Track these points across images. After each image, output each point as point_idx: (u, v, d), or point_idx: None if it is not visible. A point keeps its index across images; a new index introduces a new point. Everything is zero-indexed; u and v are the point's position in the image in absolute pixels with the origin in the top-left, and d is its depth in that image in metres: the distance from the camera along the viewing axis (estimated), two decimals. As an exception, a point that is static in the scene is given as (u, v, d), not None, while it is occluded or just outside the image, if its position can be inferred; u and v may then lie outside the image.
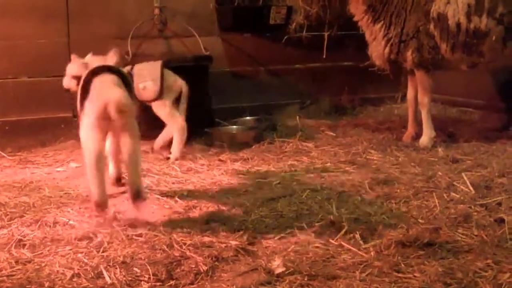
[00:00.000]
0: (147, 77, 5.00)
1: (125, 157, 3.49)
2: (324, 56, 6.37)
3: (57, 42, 5.62)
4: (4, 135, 5.31)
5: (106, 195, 3.47)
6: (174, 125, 5.03)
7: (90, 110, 3.39)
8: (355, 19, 5.21)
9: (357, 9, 5.15)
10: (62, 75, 5.53)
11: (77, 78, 3.94)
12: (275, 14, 6.07)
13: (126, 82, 3.66)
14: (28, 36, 5.53)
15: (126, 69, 4.78)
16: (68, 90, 4.25)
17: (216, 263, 2.88)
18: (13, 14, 5.49)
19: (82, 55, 5.58)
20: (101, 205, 3.44)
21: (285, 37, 6.25)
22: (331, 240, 3.12)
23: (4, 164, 4.98)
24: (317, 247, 3.06)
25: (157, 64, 5.07)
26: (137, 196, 3.44)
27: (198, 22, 5.98)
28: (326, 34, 6.33)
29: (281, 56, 6.41)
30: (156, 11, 5.91)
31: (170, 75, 5.11)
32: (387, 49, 5.10)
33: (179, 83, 5.10)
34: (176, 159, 4.94)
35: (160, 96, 4.99)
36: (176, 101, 5.10)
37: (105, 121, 3.35)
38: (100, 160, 3.39)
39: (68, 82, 4.20)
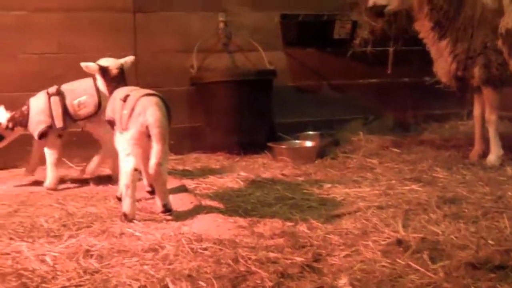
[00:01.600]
0: (81, 92, 4.71)
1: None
2: (389, 72, 6.31)
3: (123, 56, 5.66)
4: (71, 146, 5.41)
5: (135, 208, 3.79)
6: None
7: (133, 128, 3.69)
8: (421, 36, 5.14)
9: (423, 26, 5.08)
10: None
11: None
12: (339, 29, 6.07)
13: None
14: (95, 49, 5.62)
15: (51, 90, 4.75)
16: None
17: (282, 279, 2.85)
18: (81, 27, 5.63)
19: (148, 69, 5.75)
20: (130, 218, 3.70)
21: (350, 52, 6.22)
22: (398, 260, 3.05)
23: (71, 174, 5.08)
24: (383, 266, 3.00)
25: (88, 80, 4.73)
26: (166, 209, 3.84)
27: (262, 37, 6.02)
28: (391, 49, 6.27)
29: (344, 71, 6.39)
30: (221, 25, 5.97)
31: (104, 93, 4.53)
32: (453, 66, 5.01)
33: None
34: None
35: (99, 109, 4.66)
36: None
37: (144, 138, 3.67)
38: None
39: None
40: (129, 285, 2.78)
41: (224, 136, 5.78)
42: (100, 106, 4.67)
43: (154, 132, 3.62)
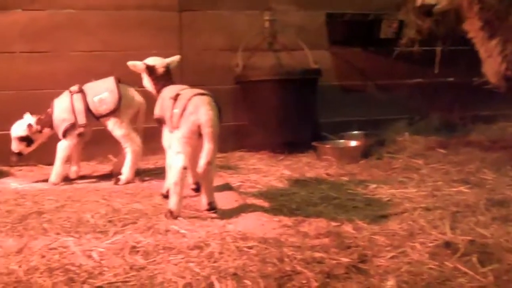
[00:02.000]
0: (101, 89, 4.81)
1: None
2: (436, 72, 6.23)
3: (169, 54, 5.70)
4: (117, 143, 5.45)
5: (181, 206, 3.81)
6: (130, 146, 4.83)
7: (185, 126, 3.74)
8: (470, 35, 5.04)
9: (472, 25, 4.98)
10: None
11: None
12: (386, 28, 6.01)
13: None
14: (140, 48, 5.67)
15: (73, 88, 4.82)
16: None
17: (328, 279, 2.82)
18: (128, 26, 5.68)
19: (193, 67, 5.77)
20: (176, 215, 3.72)
21: (396, 52, 6.15)
22: (446, 262, 3.00)
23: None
24: (431, 268, 2.95)
25: (110, 79, 4.86)
26: (211, 208, 3.88)
27: (307, 36, 6.00)
28: (438, 49, 6.19)
29: (390, 70, 6.33)
30: (267, 24, 5.96)
31: (127, 90, 4.86)
32: (503, 66, 4.91)
33: (137, 101, 4.88)
34: (128, 182, 4.81)
35: (118, 107, 4.78)
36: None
37: (195, 137, 3.72)
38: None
39: None
40: (175, 282, 2.79)
41: (268, 135, 5.77)
42: (120, 104, 4.75)
43: (206, 131, 3.63)
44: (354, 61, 6.29)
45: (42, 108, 5.16)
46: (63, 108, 4.77)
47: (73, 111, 4.74)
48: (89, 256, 3.11)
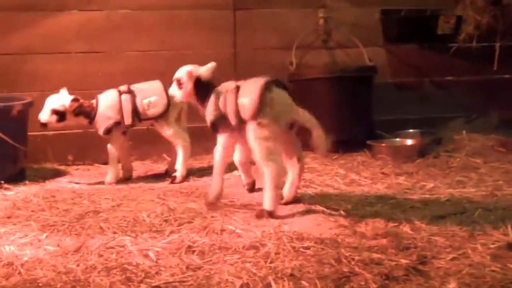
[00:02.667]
0: (150, 92, 4.83)
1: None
2: (495, 68, 6.08)
3: (223, 53, 5.76)
4: (170, 142, 5.48)
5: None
6: (181, 143, 4.87)
7: None
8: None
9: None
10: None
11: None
12: (443, 24, 5.90)
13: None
14: (195, 47, 5.69)
15: (122, 88, 4.84)
16: None
17: (386, 281, 2.77)
18: (182, 25, 5.69)
19: (247, 66, 5.76)
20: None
21: (453, 48, 6.03)
22: (509, 264, 2.91)
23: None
24: (493, 271, 2.87)
25: (157, 82, 4.87)
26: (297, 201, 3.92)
27: (362, 33, 5.93)
28: (497, 45, 6.04)
29: (447, 67, 6.21)
30: (321, 21, 5.92)
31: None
32: None
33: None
34: (183, 178, 4.85)
35: (167, 110, 4.82)
36: None
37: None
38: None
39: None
40: (232, 282, 2.77)
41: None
42: (168, 107, 4.80)
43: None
44: (410, 58, 6.18)
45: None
46: (110, 106, 4.80)
47: (120, 110, 4.78)
48: (146, 256, 3.12)
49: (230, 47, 5.77)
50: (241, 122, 3.76)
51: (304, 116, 3.75)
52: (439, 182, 4.52)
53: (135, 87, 4.86)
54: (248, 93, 3.74)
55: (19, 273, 2.94)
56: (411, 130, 5.84)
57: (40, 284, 2.79)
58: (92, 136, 5.34)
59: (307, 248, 3.16)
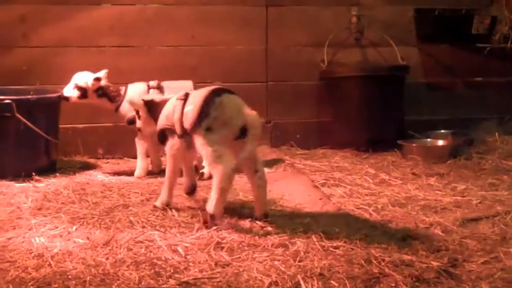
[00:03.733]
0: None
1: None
2: (530, 70, 6.01)
3: (254, 49, 5.75)
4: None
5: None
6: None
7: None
8: None
9: None
10: (258, 81, 5.71)
11: None
12: (478, 24, 5.82)
13: None
14: (226, 42, 5.69)
15: (152, 83, 4.86)
16: None
17: (417, 283, 2.73)
18: (214, 20, 5.69)
19: (278, 62, 5.75)
20: (217, 220, 3.47)
21: (488, 48, 5.95)
22: (542, 269, 2.88)
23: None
24: (526, 275, 2.84)
25: (189, 82, 4.85)
26: (266, 217, 3.61)
27: (395, 31, 5.89)
28: (533, 46, 5.96)
29: (481, 68, 6.15)
30: (354, 19, 5.87)
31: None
32: None
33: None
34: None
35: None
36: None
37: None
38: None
39: None
40: (260, 280, 2.76)
41: (353, 132, 5.68)
42: None
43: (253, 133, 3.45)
44: (443, 58, 6.12)
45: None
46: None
47: None
48: (175, 251, 3.12)
49: (262, 44, 5.76)
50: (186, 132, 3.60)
51: (252, 124, 3.45)
52: (470, 184, 4.47)
53: (166, 84, 4.86)
54: (192, 101, 3.57)
55: (49, 264, 2.95)
56: (442, 131, 5.79)
57: (70, 277, 2.80)
58: (122, 130, 5.37)
59: (337, 247, 3.13)
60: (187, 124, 3.54)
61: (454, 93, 6.21)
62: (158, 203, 3.89)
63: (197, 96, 3.54)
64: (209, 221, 3.46)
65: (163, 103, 3.87)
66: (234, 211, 3.81)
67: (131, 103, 4.13)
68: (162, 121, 3.78)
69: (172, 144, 3.75)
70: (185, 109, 3.57)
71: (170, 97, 3.84)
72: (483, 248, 3.18)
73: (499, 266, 2.95)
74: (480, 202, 4.02)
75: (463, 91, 6.23)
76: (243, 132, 3.45)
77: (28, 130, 4.64)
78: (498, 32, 5.93)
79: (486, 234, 3.40)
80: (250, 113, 3.48)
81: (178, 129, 3.62)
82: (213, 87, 3.64)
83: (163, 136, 3.80)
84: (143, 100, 4.03)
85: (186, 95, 3.64)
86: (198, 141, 3.51)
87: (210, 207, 3.45)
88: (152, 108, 3.97)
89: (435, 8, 5.93)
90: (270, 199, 3.99)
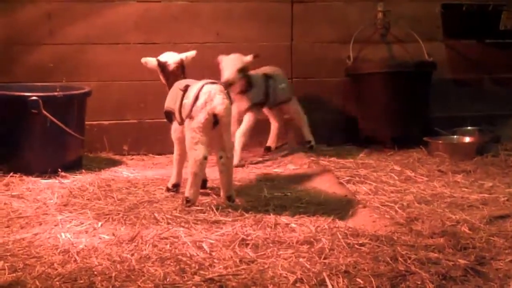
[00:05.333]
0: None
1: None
2: (558, 66, 5.92)
3: (279, 46, 5.73)
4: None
5: (198, 195, 3.86)
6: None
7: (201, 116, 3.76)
8: None
9: None
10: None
11: None
12: (506, 20, 5.75)
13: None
14: (251, 39, 5.67)
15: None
16: None
17: (444, 281, 2.71)
18: (238, 17, 5.68)
19: (303, 59, 5.72)
20: (192, 203, 3.78)
21: (516, 44, 5.89)
22: None
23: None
24: (555, 274, 2.79)
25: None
26: (230, 200, 3.89)
27: (421, 27, 5.83)
28: (562, 41, 5.87)
29: (509, 64, 6.08)
30: (380, 15, 5.83)
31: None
32: None
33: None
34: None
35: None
36: None
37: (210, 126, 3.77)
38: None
39: None
40: (285, 277, 2.75)
41: (379, 129, 5.64)
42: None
43: (224, 121, 3.76)
44: (470, 53, 6.04)
45: (153, 99, 5.28)
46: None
47: None
48: (200, 247, 3.13)
49: (287, 40, 5.74)
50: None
51: (220, 112, 3.72)
52: (497, 181, 4.42)
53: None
54: (190, 94, 3.84)
55: (75, 260, 2.97)
56: (469, 128, 5.72)
57: (95, 273, 2.82)
58: (147, 127, 5.40)
59: (362, 245, 3.12)
60: (184, 115, 3.83)
61: (481, 90, 6.13)
62: (169, 184, 4.22)
63: (193, 90, 3.82)
64: (184, 204, 3.77)
65: None
66: (259, 207, 3.81)
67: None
68: (169, 103, 4.06)
69: (175, 128, 4.06)
70: (184, 101, 3.85)
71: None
72: (510, 246, 3.15)
73: (527, 265, 2.92)
74: (507, 200, 3.98)
75: (490, 88, 6.15)
76: (216, 120, 3.74)
77: (55, 126, 4.67)
78: (525, 28, 5.86)
79: (514, 232, 3.36)
80: (222, 101, 3.74)
81: (177, 117, 3.93)
82: (205, 81, 3.89)
83: (169, 116, 4.10)
84: None
85: (186, 87, 3.89)
86: (186, 127, 3.84)
87: (186, 191, 3.81)
88: None
89: (462, 4, 5.86)
90: (291, 197, 3.99)
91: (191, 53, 4.37)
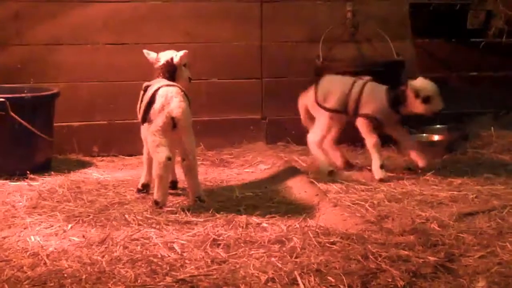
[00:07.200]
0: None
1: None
2: (525, 64, 5.99)
3: (250, 45, 5.72)
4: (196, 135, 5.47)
5: (167, 197, 3.87)
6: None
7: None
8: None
9: None
10: (253, 78, 5.70)
11: None
12: (473, 19, 5.81)
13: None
14: (221, 39, 5.66)
15: None
16: None
17: (414, 279, 2.73)
18: (209, 17, 5.65)
19: (273, 59, 5.72)
20: (162, 205, 3.78)
21: (483, 43, 5.94)
22: (539, 263, 2.88)
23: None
24: (523, 269, 2.83)
25: None
26: (200, 200, 3.88)
27: (390, 26, 5.85)
28: (528, 40, 5.94)
29: (476, 62, 6.11)
30: (349, 14, 5.83)
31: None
32: None
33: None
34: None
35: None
36: None
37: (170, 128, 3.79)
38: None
39: None
40: (257, 276, 2.76)
41: (349, 127, 5.66)
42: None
43: (182, 124, 3.77)
44: (438, 52, 6.09)
45: (123, 100, 5.23)
46: None
47: None
48: (171, 248, 3.12)
49: (257, 40, 5.72)
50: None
51: (177, 115, 3.76)
52: (466, 179, 4.48)
53: None
54: (146, 96, 3.88)
55: (45, 263, 2.95)
56: (438, 126, 5.76)
57: (65, 275, 2.80)
58: (117, 128, 5.36)
59: (333, 243, 3.14)
60: (139, 116, 3.94)
61: (449, 88, 6.13)
62: (139, 184, 4.23)
63: (149, 92, 3.86)
64: (153, 207, 3.77)
65: None
66: (230, 208, 3.81)
67: None
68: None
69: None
70: (143, 102, 3.89)
71: None
72: (479, 242, 3.19)
73: (496, 260, 2.96)
74: (476, 197, 4.03)
75: (458, 86, 6.19)
76: (175, 122, 3.76)
77: (23, 128, 4.62)
78: (493, 27, 5.90)
79: (482, 228, 3.41)
80: (179, 104, 3.75)
81: (139, 116, 3.99)
82: (162, 82, 3.91)
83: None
84: None
85: (146, 88, 3.94)
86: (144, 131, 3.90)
87: (154, 193, 3.82)
88: None
89: (430, 3, 5.91)
90: (262, 197, 3.99)
91: (181, 52, 4.26)
